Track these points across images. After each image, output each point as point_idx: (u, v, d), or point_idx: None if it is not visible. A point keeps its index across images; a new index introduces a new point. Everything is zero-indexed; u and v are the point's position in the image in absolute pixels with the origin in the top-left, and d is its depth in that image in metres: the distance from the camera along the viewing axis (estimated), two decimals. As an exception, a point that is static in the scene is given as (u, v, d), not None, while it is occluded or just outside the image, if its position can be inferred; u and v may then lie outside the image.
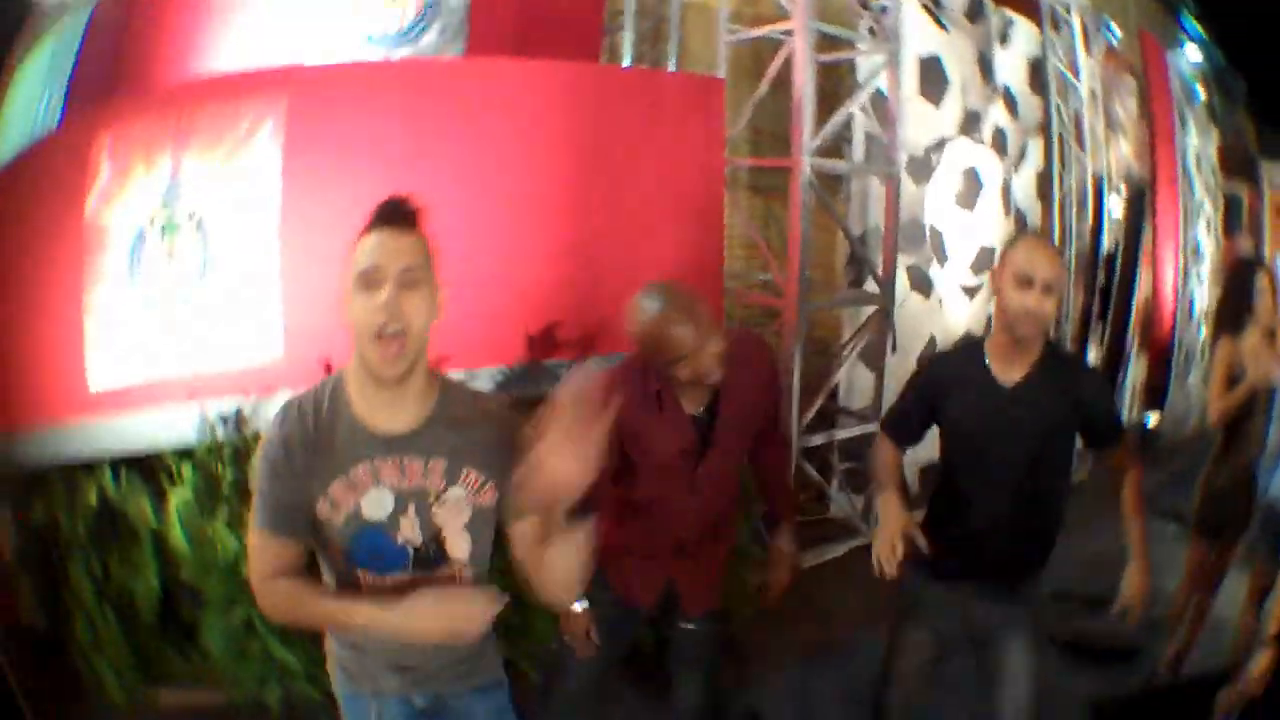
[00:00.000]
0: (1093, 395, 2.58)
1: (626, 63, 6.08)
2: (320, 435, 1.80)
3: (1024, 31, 6.87)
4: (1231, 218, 10.50)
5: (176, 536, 3.57)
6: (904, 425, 2.71)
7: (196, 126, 3.95)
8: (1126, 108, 8.46)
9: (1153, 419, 7.95)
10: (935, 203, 5.92)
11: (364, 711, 1.99)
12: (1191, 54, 12.57)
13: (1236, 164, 12.32)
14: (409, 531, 1.83)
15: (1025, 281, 2.36)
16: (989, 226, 6.19)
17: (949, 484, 2.68)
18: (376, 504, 1.80)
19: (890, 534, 2.37)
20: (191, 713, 3.60)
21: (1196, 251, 9.13)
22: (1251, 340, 3.78)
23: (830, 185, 5.90)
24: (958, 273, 6.05)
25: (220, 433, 3.73)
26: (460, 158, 4.30)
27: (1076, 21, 7.11)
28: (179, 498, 3.61)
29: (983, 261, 6.16)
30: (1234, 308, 3.94)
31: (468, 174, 4.29)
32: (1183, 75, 9.46)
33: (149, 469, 3.73)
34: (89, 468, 3.74)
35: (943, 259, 5.97)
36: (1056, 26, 7.10)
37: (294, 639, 3.36)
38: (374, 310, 1.70)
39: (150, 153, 3.92)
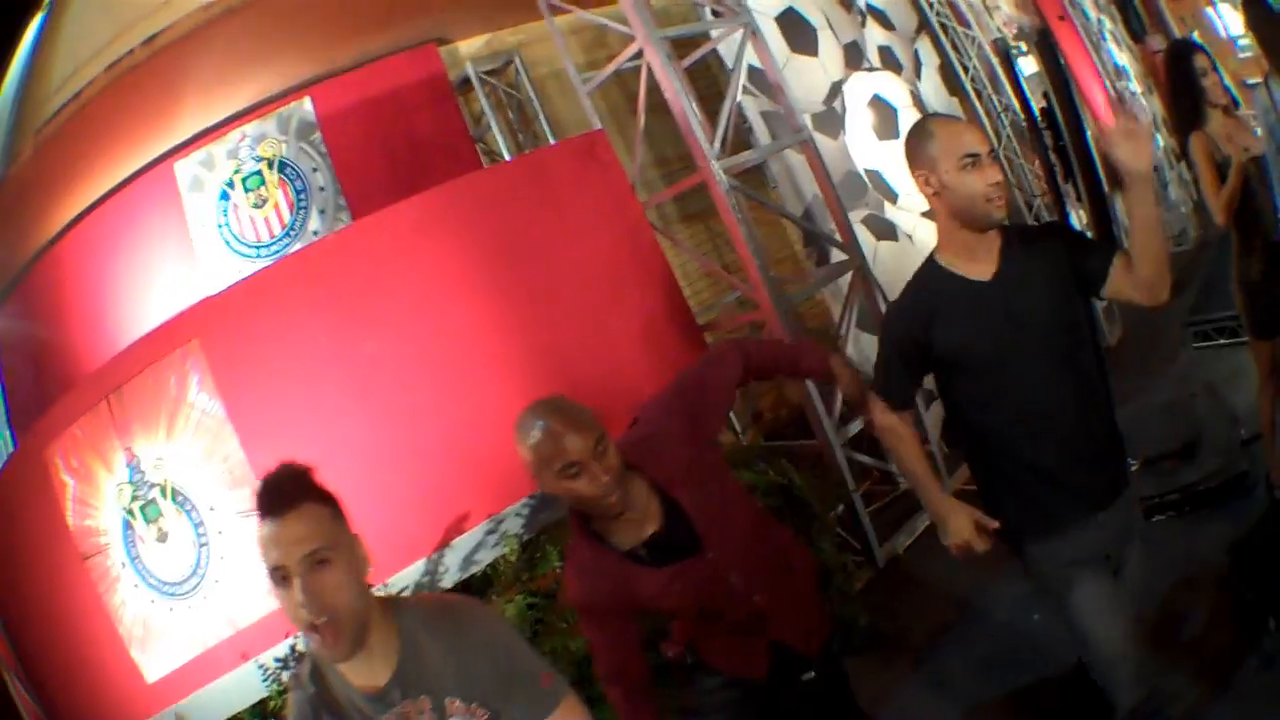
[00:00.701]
0: (1068, 244, 2.31)
1: (506, 157, 5.92)
2: (325, 700, 1.80)
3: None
4: (1132, 21, 10.36)
5: None
6: (899, 379, 2.44)
7: (129, 408, 3.90)
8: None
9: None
10: (858, 146, 5.65)
11: None
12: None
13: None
14: None
15: (972, 160, 2.16)
16: (919, 144, 5.92)
17: (985, 421, 2.37)
18: None
19: (958, 534, 2.32)
20: None
21: (1118, 69, 8.91)
22: (1216, 123, 3.67)
23: (755, 179, 5.66)
24: (913, 203, 5.76)
25: (285, 676, 3.65)
26: (390, 319, 4.12)
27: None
28: (275, 752, 3.59)
29: (927, 179, 5.91)
30: (1187, 100, 3.77)
31: (405, 332, 4.12)
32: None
33: None
34: None
35: (892, 197, 5.69)
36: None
37: None
38: (297, 607, 1.66)
39: (102, 450, 3.93)
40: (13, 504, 4.30)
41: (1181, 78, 3.78)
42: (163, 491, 3.87)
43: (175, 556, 3.86)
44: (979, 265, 2.26)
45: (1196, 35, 10.42)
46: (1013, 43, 7.46)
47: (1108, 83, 8.57)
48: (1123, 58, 9.32)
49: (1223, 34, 11.55)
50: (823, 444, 4.75)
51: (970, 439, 2.46)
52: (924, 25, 6.66)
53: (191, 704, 3.81)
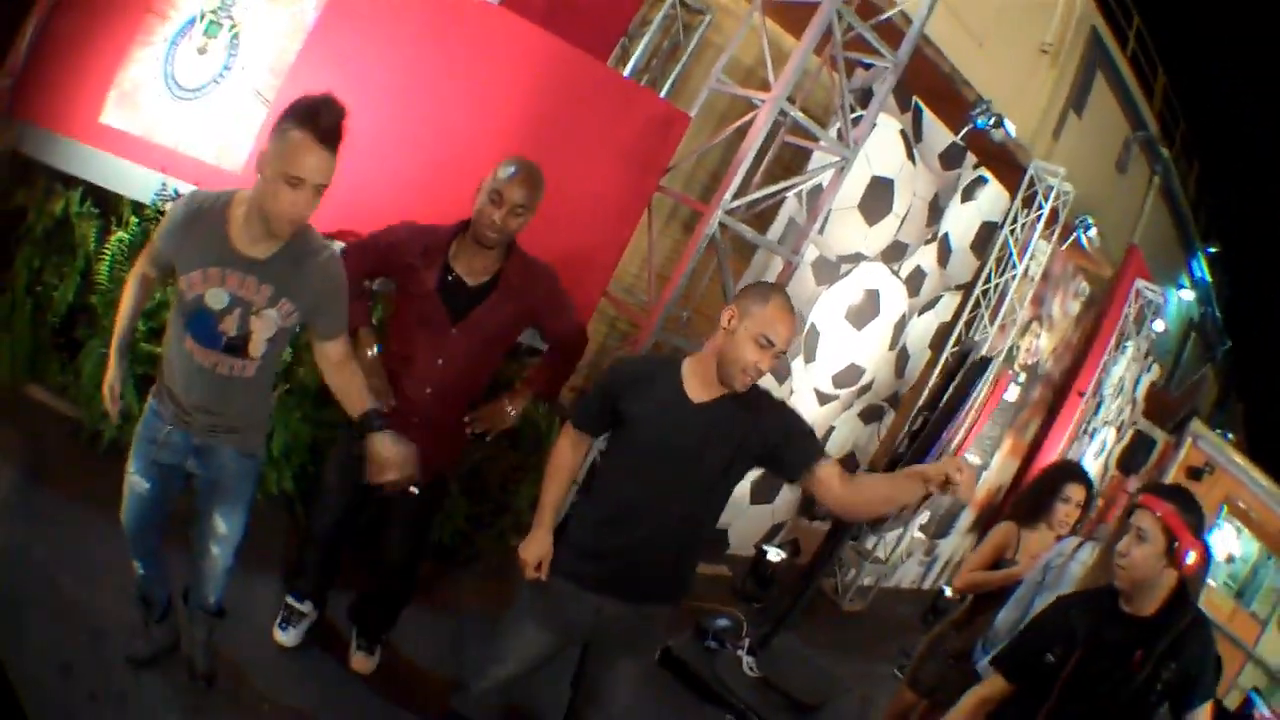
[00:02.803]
0: (779, 420, 2.71)
1: (630, 66, 6.46)
2: (201, 230, 2.48)
3: (992, 195, 7.21)
4: (1135, 455, 10.57)
5: (103, 267, 4.28)
6: (592, 412, 2.85)
7: None
8: (1066, 307, 8.82)
9: (949, 590, 8.27)
10: (827, 306, 6.26)
11: (156, 427, 2.71)
12: (1185, 295, 12.98)
13: (1167, 411, 12.59)
14: (229, 325, 2.53)
15: (767, 343, 2.54)
16: (867, 351, 6.55)
17: (609, 482, 2.82)
18: (215, 298, 2.49)
19: (524, 550, 2.84)
20: (48, 413, 4.30)
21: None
22: (1037, 540, 3.91)
23: (744, 250, 6.26)
24: (818, 377, 6.40)
25: (167, 206, 4.21)
26: (450, 90, 4.71)
27: (1048, 207, 7.43)
28: (118, 237, 4.30)
29: (847, 377, 6.54)
30: (1032, 507, 4.03)
31: (446, 105, 4.70)
32: (1152, 303, 9.84)
33: (106, 204, 4.39)
34: (65, 183, 4.38)
35: (810, 357, 6.33)
36: (1029, 204, 7.44)
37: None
38: (292, 203, 2.35)
39: None
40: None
41: (1047, 488, 4.03)
42: (231, 28, 4.38)
43: (194, 70, 4.35)
44: (704, 390, 2.67)
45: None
46: (1016, 368, 8.02)
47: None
48: (1093, 466, 9.80)
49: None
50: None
51: (593, 479, 2.94)
52: (967, 289, 7.30)
53: (104, 160, 4.27)
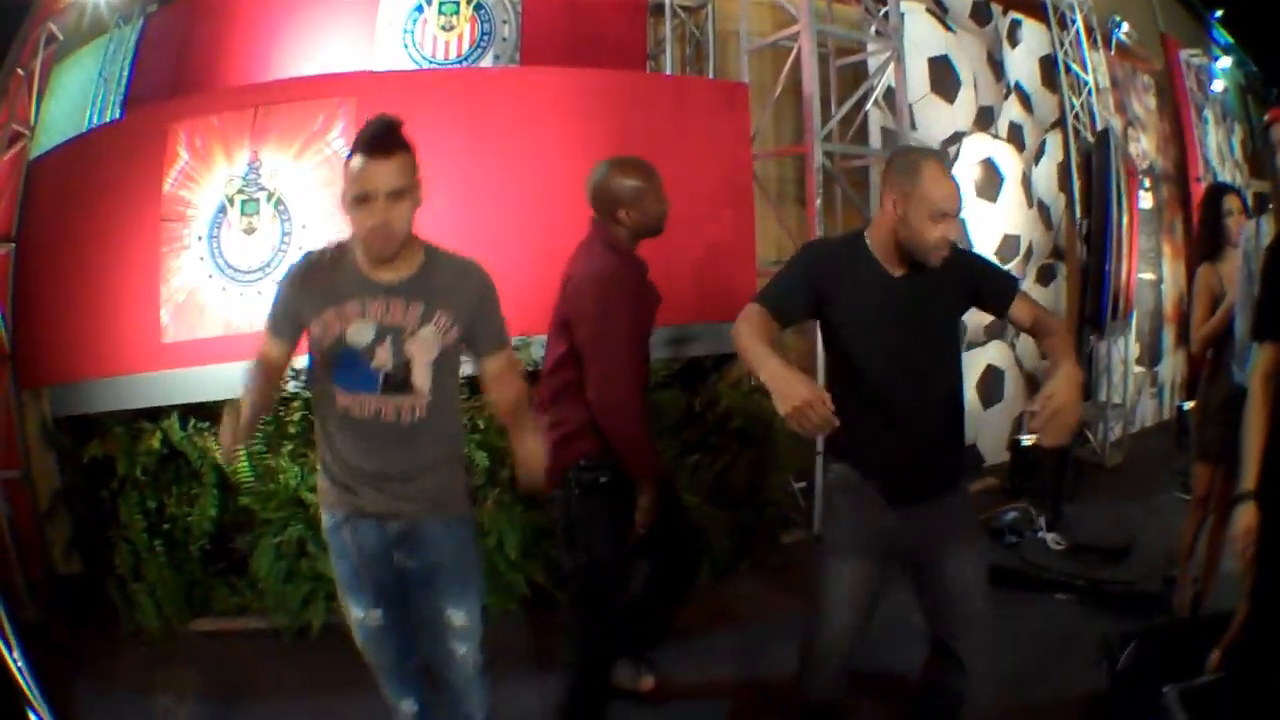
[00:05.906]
0: (976, 269, 2.54)
1: (665, 76, 6.48)
2: (323, 274, 2.24)
3: (1032, 31, 7.21)
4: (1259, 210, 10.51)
5: (242, 468, 4.03)
6: (787, 302, 2.45)
7: (272, 124, 4.47)
8: (1144, 103, 8.70)
9: (1188, 405, 8.04)
10: (956, 193, 6.19)
11: (344, 539, 2.34)
12: (1223, 63, 12.78)
13: (1263, 167, 12.39)
14: (382, 358, 2.21)
15: (941, 216, 2.32)
16: (1012, 216, 6.49)
17: (850, 394, 2.45)
18: (359, 333, 2.20)
19: (803, 393, 2.02)
20: (226, 638, 4.04)
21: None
22: (1230, 262, 3.77)
23: (856, 179, 6.18)
24: (981, 259, 6.31)
25: (290, 386, 4.15)
26: (511, 156, 4.70)
27: (1080, 20, 7.38)
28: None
29: (1007, 250, 6.46)
30: (1209, 235, 3.98)
31: (517, 169, 4.68)
32: (1202, 67, 9.78)
33: (212, 413, 4.14)
34: (153, 416, 4.24)
35: (966, 246, 6.24)
36: (1064, 25, 7.40)
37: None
38: (368, 220, 2.11)
39: (229, 143, 4.46)
40: (104, 156, 4.71)
41: (1210, 213, 3.99)
42: (269, 196, 4.39)
43: (254, 250, 4.35)
44: (894, 266, 2.45)
45: None
46: (1137, 172, 7.88)
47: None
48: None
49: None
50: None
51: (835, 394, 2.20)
52: (1060, 123, 7.21)
53: (190, 376, 4.23)
